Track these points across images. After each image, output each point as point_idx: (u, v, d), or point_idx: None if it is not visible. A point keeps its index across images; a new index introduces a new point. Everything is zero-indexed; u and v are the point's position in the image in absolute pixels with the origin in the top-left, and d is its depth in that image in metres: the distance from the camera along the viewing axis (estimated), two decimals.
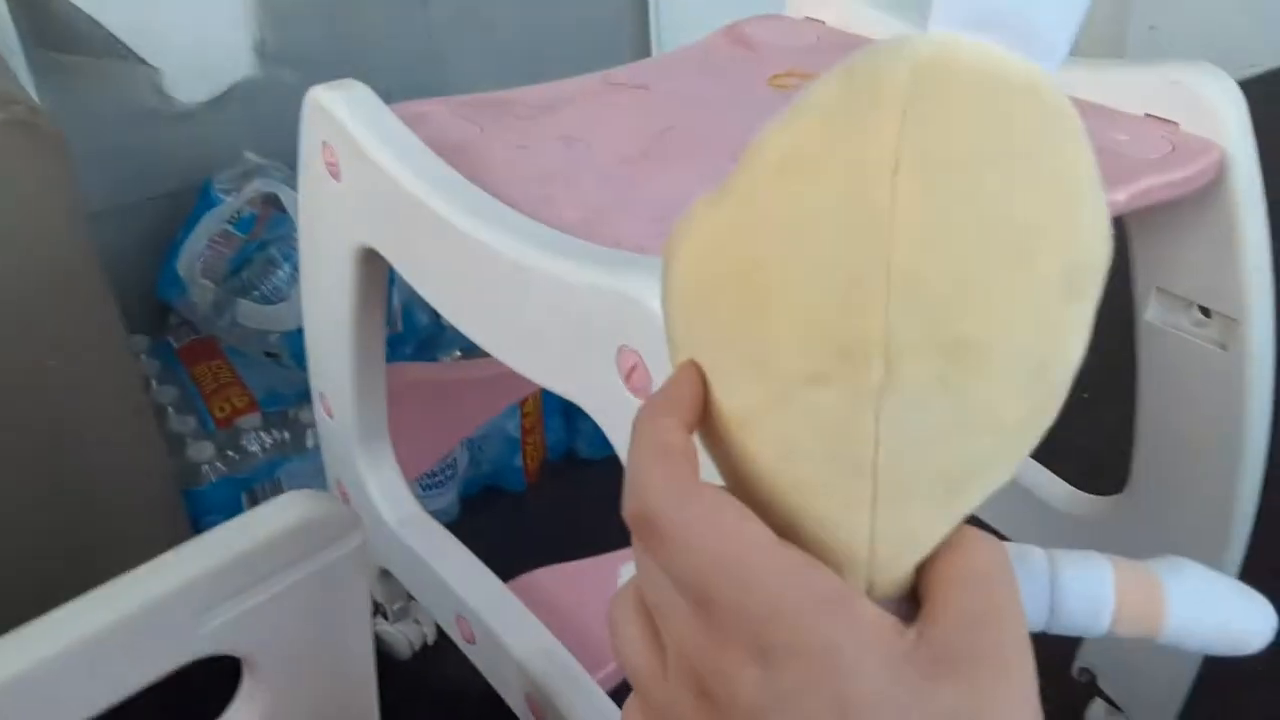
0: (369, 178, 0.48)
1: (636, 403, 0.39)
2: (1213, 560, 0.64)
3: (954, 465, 0.21)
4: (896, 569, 0.22)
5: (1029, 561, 0.27)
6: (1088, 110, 0.57)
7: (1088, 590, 0.27)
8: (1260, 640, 0.27)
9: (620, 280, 0.38)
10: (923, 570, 0.22)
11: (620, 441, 0.41)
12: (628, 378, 0.39)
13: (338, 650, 0.50)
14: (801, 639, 0.19)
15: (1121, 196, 0.50)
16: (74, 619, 0.39)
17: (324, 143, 0.51)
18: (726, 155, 0.52)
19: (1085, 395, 1.16)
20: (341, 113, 0.48)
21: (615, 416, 0.40)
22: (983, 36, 0.19)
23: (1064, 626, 0.27)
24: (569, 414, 1.02)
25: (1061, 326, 0.21)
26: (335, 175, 0.51)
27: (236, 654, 0.45)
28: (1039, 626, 0.27)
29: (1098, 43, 1.62)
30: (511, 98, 0.57)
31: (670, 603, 0.21)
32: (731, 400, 0.22)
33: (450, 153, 0.49)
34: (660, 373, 0.37)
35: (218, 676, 0.49)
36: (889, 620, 0.20)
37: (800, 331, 0.20)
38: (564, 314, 0.40)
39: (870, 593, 0.22)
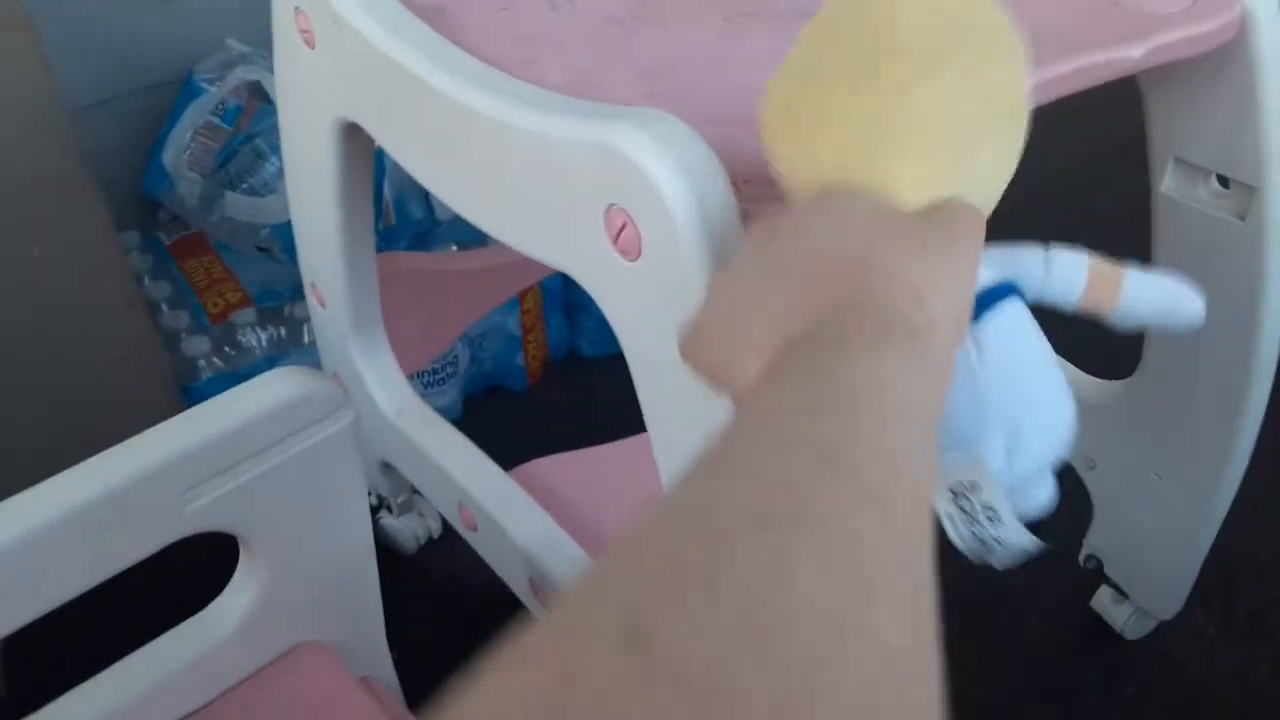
0: (344, 43, 0.46)
1: (625, 265, 0.37)
2: (1225, 440, 0.63)
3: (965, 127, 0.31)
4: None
5: (1027, 246, 0.37)
6: None
7: (1071, 259, 0.37)
8: (1192, 319, 0.38)
9: (608, 134, 0.36)
10: None
11: (610, 307, 0.39)
12: (616, 239, 0.37)
13: (334, 531, 0.50)
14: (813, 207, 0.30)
15: (1138, 52, 0.48)
16: (56, 493, 0.38)
17: (297, 8, 0.48)
18: (719, 16, 0.49)
19: None
20: None
21: (604, 280, 0.39)
22: None
23: (1054, 286, 0.37)
24: (571, 312, 1.01)
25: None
26: (310, 43, 0.49)
27: (228, 531, 0.45)
28: (1036, 289, 0.37)
29: None
30: None
31: None
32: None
33: (428, 15, 0.46)
34: (651, 233, 0.36)
35: (219, 559, 0.49)
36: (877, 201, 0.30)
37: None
38: (549, 174, 0.39)
39: None
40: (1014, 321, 0.35)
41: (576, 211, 0.38)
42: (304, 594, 0.50)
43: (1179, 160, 0.58)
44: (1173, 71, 0.55)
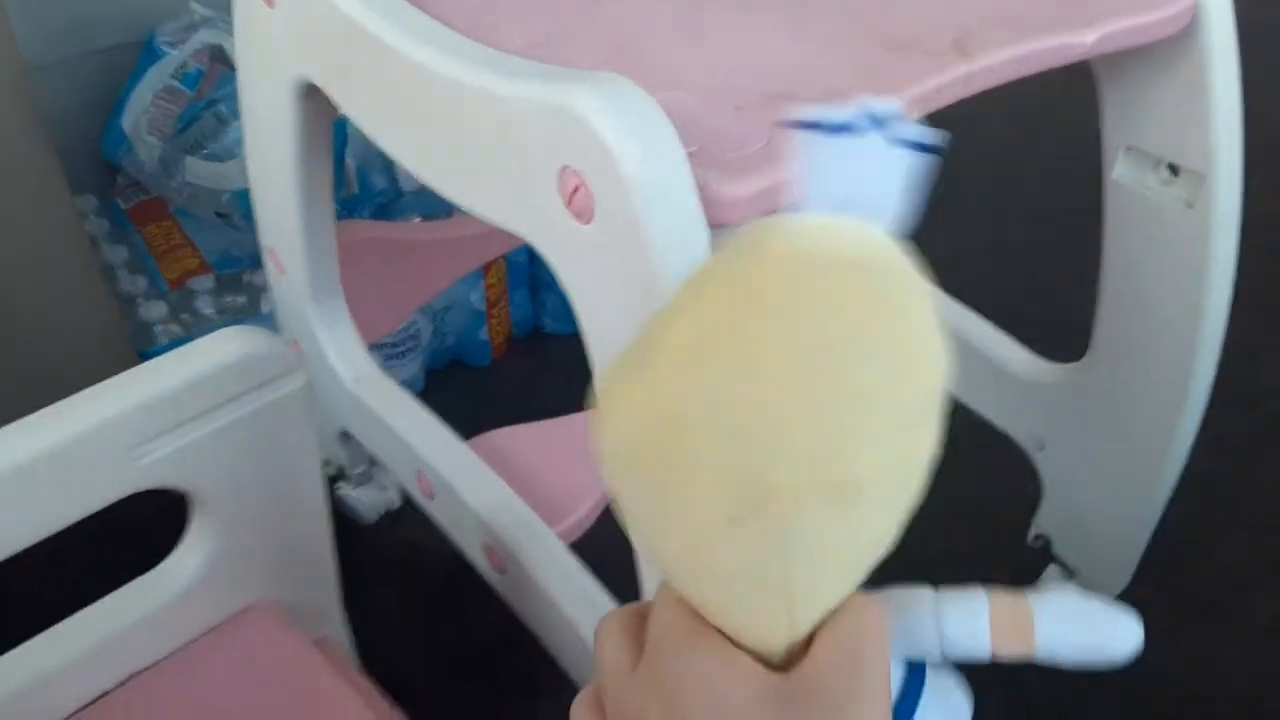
0: (303, 2, 0.46)
1: (579, 228, 0.38)
2: (1170, 422, 0.65)
3: (850, 563, 0.27)
4: (807, 632, 0.27)
5: (917, 604, 0.34)
6: None
7: (968, 626, 0.34)
8: (1126, 652, 0.34)
9: (563, 97, 0.36)
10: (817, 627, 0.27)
11: (564, 271, 0.40)
12: (570, 200, 0.37)
13: (287, 491, 0.50)
14: (685, 669, 0.26)
15: (1090, 39, 0.49)
16: (4, 443, 0.38)
17: None
18: None
19: (1060, 276, 1.15)
20: None
21: (559, 244, 0.39)
22: (834, 210, 0.24)
23: (954, 645, 0.34)
24: (535, 288, 1.01)
25: (916, 443, 0.26)
26: (269, 2, 0.48)
27: (179, 488, 0.45)
28: (936, 659, 0.34)
29: None
30: None
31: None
32: (667, 543, 0.27)
33: None
34: (604, 195, 0.36)
35: (170, 520, 0.49)
36: (759, 666, 0.26)
37: (715, 488, 0.25)
38: (505, 136, 0.39)
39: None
40: None
41: (531, 174, 0.38)
42: (257, 554, 0.50)
43: (1130, 148, 0.60)
44: (1125, 61, 0.56)
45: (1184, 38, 0.53)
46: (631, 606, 0.30)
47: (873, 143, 0.24)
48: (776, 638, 0.27)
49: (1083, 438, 0.71)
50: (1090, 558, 0.76)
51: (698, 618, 0.27)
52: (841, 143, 0.23)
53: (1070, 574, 0.78)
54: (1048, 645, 0.33)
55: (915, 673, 0.35)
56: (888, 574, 0.29)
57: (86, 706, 0.46)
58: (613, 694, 0.28)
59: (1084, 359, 0.69)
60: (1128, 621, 0.34)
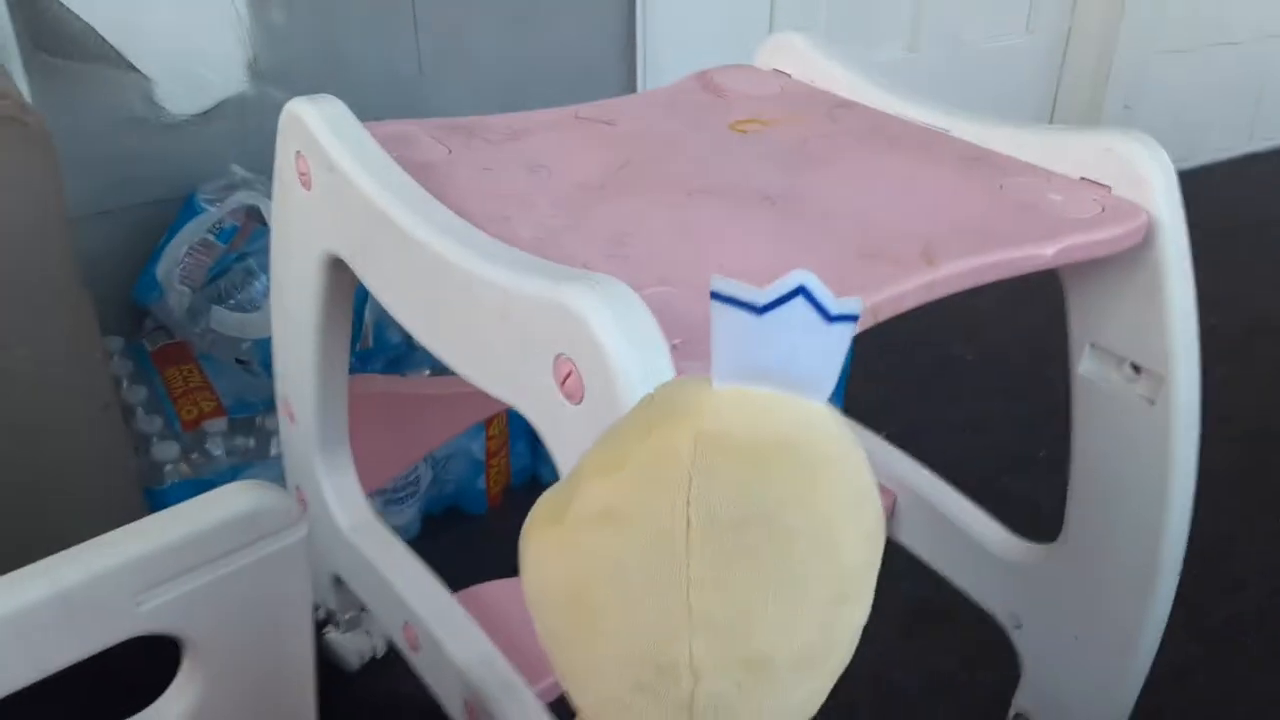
0: (337, 188, 0.51)
1: (570, 407, 0.41)
2: (1137, 611, 0.66)
3: None
4: None
5: None
6: (1028, 170, 0.60)
7: None
8: None
9: (560, 293, 0.40)
10: None
11: (554, 444, 0.43)
12: (562, 383, 0.41)
13: (277, 642, 0.51)
14: None
15: (1050, 251, 0.53)
16: (15, 586, 0.41)
17: (298, 152, 0.53)
18: (683, 190, 0.55)
19: (1042, 454, 1.18)
20: (316, 125, 0.51)
21: (551, 419, 0.43)
22: (759, 384, 0.24)
23: None
24: (534, 439, 1.04)
25: (835, 625, 0.26)
26: (306, 184, 0.54)
27: (175, 635, 0.46)
28: None
29: (1074, 114, 1.67)
30: (482, 123, 0.60)
31: None
32: (583, 695, 0.27)
33: (418, 170, 0.51)
34: (592, 381, 0.40)
35: (157, 665, 0.50)
36: None
37: (622, 652, 0.25)
38: (509, 323, 0.43)
39: None
40: None
41: (529, 357, 0.42)
42: (241, 703, 0.52)
43: (1094, 346, 0.64)
44: (1087, 267, 0.61)
45: (1141, 250, 0.58)
46: None
47: (799, 320, 0.24)
48: None
49: (1058, 619, 0.72)
50: None
51: None
52: (761, 320, 0.23)
53: None
54: None
55: None
56: None
57: None
58: None
59: (1057, 541, 0.71)
60: None
